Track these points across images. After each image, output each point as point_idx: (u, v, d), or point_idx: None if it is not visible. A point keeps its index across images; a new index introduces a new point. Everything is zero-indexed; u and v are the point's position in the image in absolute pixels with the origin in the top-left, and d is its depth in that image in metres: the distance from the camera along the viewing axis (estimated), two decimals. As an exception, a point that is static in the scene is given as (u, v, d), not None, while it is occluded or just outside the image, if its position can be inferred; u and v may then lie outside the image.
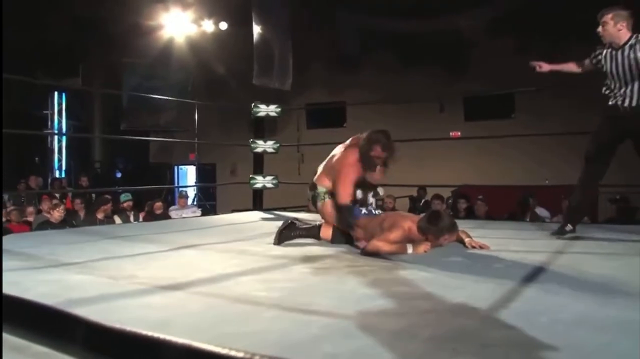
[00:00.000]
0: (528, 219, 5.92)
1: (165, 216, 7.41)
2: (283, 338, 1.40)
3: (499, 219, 5.93)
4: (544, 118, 9.50)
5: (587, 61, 3.32)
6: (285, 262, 2.59)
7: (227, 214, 5.66)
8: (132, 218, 6.87)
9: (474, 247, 2.87)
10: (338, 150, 3.24)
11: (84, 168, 12.67)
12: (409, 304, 1.75)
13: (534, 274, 2.21)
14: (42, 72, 11.43)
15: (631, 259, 2.59)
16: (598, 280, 2.06)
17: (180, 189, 11.19)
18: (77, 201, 7.17)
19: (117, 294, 1.89)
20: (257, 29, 5.58)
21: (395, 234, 2.74)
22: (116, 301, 1.80)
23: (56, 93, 13.29)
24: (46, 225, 5.45)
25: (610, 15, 3.09)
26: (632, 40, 3.05)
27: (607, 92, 3.20)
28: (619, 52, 3.09)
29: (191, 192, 12.68)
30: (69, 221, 5.79)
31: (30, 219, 6.43)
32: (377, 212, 3.14)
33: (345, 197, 2.97)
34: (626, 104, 3.08)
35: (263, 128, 5.80)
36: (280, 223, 3.21)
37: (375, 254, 2.67)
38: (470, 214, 6.49)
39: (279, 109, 5.61)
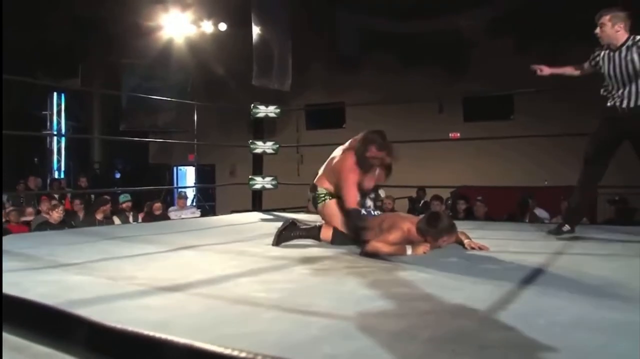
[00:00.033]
0: (527, 220, 5.93)
1: (165, 216, 7.40)
2: (282, 338, 1.41)
3: (498, 220, 5.93)
4: (543, 120, 9.49)
5: (586, 64, 3.32)
6: (284, 263, 2.59)
7: (227, 215, 5.65)
8: (131, 219, 6.87)
9: (473, 248, 2.87)
10: (337, 152, 3.22)
11: (83, 169, 12.67)
12: (408, 305, 1.76)
13: (533, 275, 2.21)
14: (42, 73, 11.42)
15: (630, 260, 2.59)
16: (596, 281, 2.07)
17: (180, 189, 11.18)
18: (76, 201, 7.17)
19: (116, 295, 1.89)
20: (256, 30, 5.59)
21: (394, 236, 2.74)
22: (115, 302, 1.80)
23: (55, 94, 13.27)
24: (45, 226, 5.45)
25: (608, 17, 3.09)
26: (630, 42, 3.05)
27: (605, 93, 3.20)
28: (617, 54, 3.08)
29: (190, 193, 12.68)
30: (68, 222, 5.79)
31: (30, 219, 6.44)
32: (376, 213, 3.14)
33: (351, 202, 2.93)
34: (624, 105, 3.08)
35: (262, 129, 5.80)
36: (279, 224, 3.20)
37: (375, 255, 2.66)
38: (469, 215, 6.50)
39: (278, 110, 5.61)
